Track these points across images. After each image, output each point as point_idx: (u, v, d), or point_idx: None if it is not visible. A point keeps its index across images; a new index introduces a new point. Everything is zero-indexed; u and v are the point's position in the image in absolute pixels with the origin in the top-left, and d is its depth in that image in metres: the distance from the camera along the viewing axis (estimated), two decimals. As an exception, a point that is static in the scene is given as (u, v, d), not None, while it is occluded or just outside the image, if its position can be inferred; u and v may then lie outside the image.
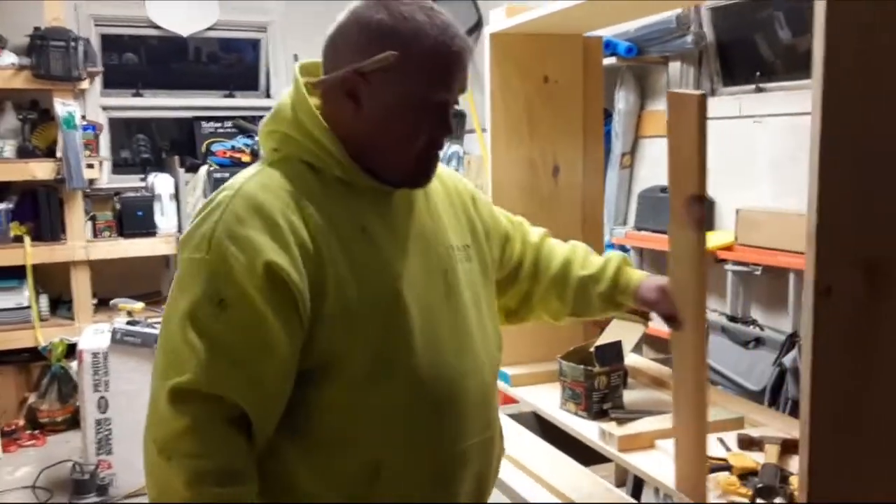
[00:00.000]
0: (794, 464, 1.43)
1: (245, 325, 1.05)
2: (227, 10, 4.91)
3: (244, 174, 1.16)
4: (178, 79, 5.12)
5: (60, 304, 4.38)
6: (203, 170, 4.52)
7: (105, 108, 4.82)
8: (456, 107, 1.21)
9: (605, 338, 1.79)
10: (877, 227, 1.02)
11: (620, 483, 2.60)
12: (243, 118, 4.80)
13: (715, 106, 3.05)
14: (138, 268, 4.49)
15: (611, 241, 3.35)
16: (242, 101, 5.17)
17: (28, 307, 4.14)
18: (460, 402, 1.19)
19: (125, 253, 4.35)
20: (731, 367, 2.57)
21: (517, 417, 2.06)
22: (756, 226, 2.67)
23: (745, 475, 1.43)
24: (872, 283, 1.02)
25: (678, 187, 1.29)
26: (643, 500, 2.56)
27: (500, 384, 2.11)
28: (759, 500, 1.37)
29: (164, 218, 4.50)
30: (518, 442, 1.87)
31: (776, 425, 1.67)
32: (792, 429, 1.58)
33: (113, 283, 4.33)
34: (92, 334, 3.51)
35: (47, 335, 4.11)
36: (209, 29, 4.93)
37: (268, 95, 5.19)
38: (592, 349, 1.76)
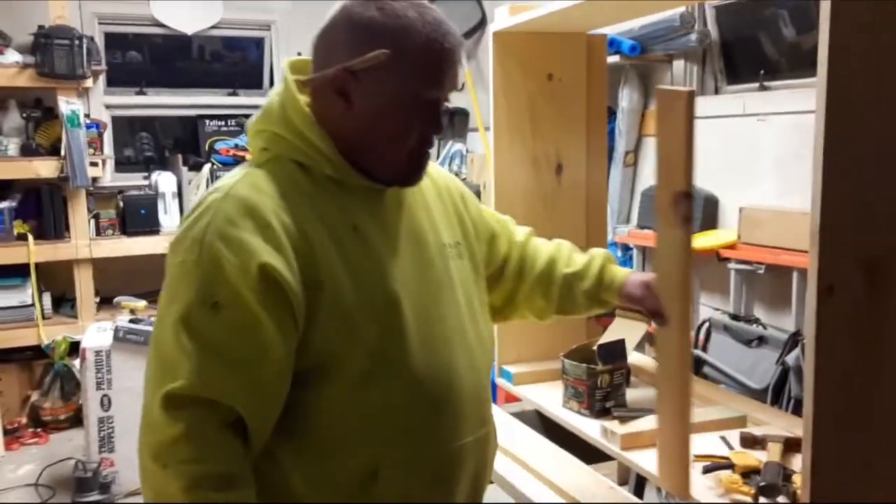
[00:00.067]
0: (797, 462, 1.43)
1: (239, 326, 1.04)
2: (231, 8, 4.92)
3: (233, 175, 1.14)
4: (181, 77, 5.12)
5: (63, 303, 4.39)
6: (206, 168, 4.52)
7: (109, 107, 4.83)
8: (448, 104, 1.20)
9: (608, 336, 1.78)
10: (880, 225, 1.02)
11: (623, 481, 2.59)
12: (247, 116, 4.80)
13: (719, 104, 3.05)
14: (141, 266, 4.48)
15: (613, 240, 3.35)
16: (246, 99, 5.18)
17: (31, 305, 4.15)
18: (457, 400, 1.19)
19: (128, 251, 4.37)
20: (733, 365, 2.57)
21: (520, 415, 2.05)
22: (759, 224, 2.67)
23: (748, 473, 1.43)
24: (875, 282, 1.02)
25: (666, 183, 1.29)
26: (645, 499, 2.56)
27: (503, 382, 2.12)
28: (761, 499, 1.37)
29: (168, 216, 4.52)
30: (520, 440, 1.87)
31: (779, 424, 1.67)
32: (795, 427, 1.58)
33: (116, 281, 4.34)
34: (95, 332, 3.52)
35: (50, 333, 4.12)
36: (213, 27, 4.94)
37: (271, 94, 5.20)
38: (595, 347, 1.76)
